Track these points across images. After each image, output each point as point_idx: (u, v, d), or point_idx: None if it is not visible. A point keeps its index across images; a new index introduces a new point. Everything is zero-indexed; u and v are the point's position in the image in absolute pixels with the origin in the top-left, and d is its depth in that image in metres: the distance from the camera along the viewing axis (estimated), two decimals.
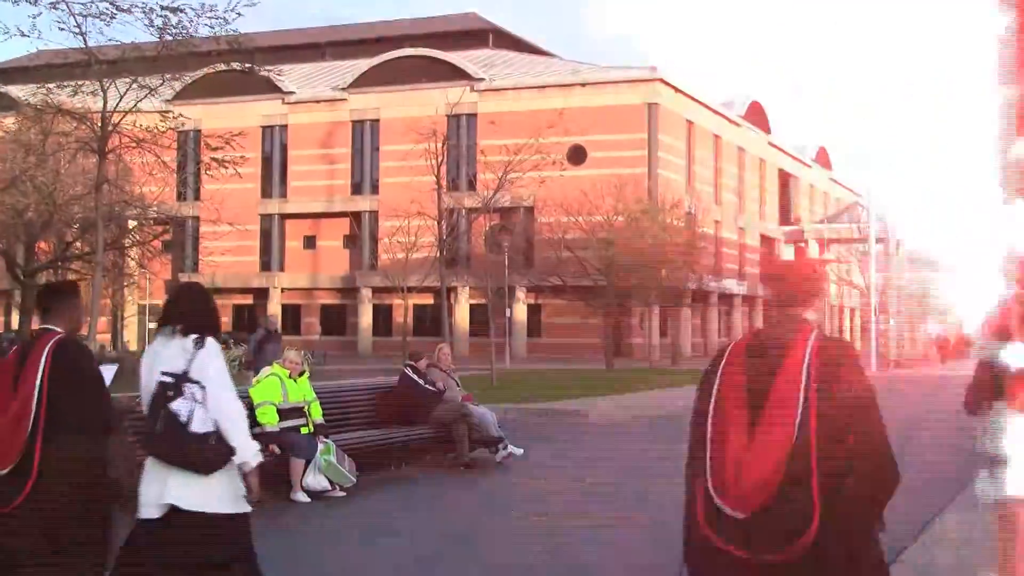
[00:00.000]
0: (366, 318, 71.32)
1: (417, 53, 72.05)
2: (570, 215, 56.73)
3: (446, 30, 77.45)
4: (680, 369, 49.80)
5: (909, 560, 8.36)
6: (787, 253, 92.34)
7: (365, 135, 73.19)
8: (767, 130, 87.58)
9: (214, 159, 29.73)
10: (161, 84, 27.60)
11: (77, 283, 6.83)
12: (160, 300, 74.51)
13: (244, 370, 24.22)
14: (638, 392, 30.75)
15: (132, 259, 43.27)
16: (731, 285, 78.09)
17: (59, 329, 6.08)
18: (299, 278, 74.02)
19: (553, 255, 57.11)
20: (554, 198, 57.11)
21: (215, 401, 5.49)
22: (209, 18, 26.29)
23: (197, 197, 58.34)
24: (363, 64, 73.75)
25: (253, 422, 11.00)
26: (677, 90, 69.80)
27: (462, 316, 67.65)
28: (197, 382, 5.46)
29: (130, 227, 40.00)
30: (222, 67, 36.00)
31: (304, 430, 12.36)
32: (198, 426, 5.39)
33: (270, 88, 68.46)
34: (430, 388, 15.37)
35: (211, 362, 5.56)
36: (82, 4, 25.54)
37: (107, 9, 25.69)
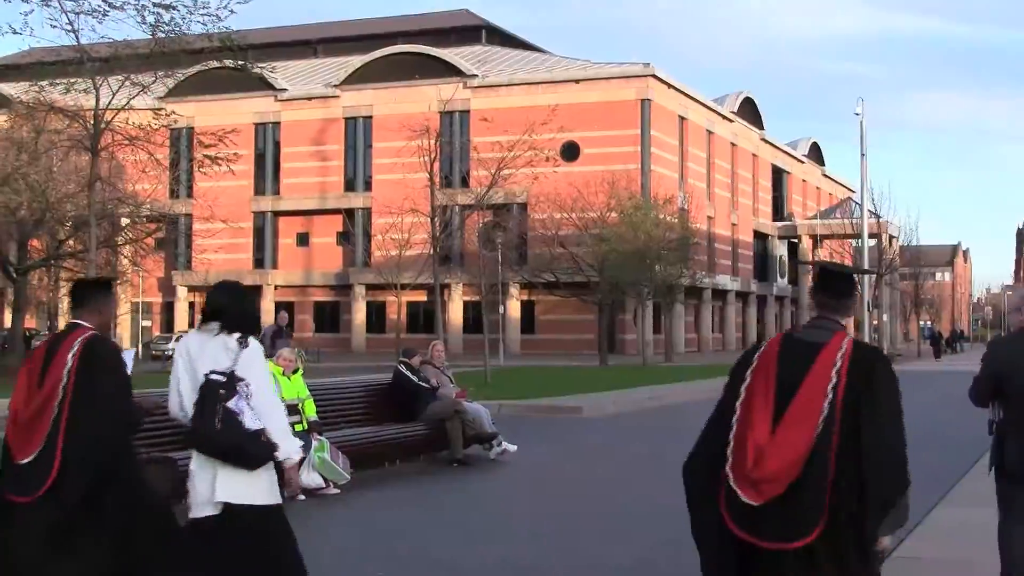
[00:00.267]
0: (359, 315, 71.31)
1: (410, 50, 72.02)
2: (563, 211, 56.77)
3: (439, 26, 77.45)
4: (673, 365, 49.88)
5: (907, 553, 8.38)
6: (781, 249, 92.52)
7: (358, 132, 73.14)
8: (760, 126, 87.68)
9: (207, 156, 29.69)
10: (154, 81, 27.55)
11: (111, 279, 6.81)
12: (153, 298, 74.68)
13: None
14: (632, 388, 30.71)
15: (125, 257, 43.14)
16: (724, 281, 78.18)
17: (90, 324, 6.07)
18: (292, 275, 73.99)
19: (546, 251, 57.13)
20: (547, 194, 57.13)
21: (260, 399, 5.61)
22: (202, 15, 26.25)
23: (190, 194, 58.35)
24: (356, 61, 73.70)
25: None
26: (670, 86, 69.85)
27: (456, 313, 67.66)
28: (243, 380, 5.56)
29: (123, 225, 39.90)
30: (215, 64, 35.92)
31: (298, 427, 12.34)
32: (251, 423, 5.53)
33: (263, 85, 68.40)
34: (424, 385, 15.37)
35: (256, 361, 5.66)
36: (74, 1, 25.51)
37: (99, 6, 25.66)
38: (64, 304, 57.36)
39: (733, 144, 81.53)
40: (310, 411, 12.78)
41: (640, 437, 19.87)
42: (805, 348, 4.52)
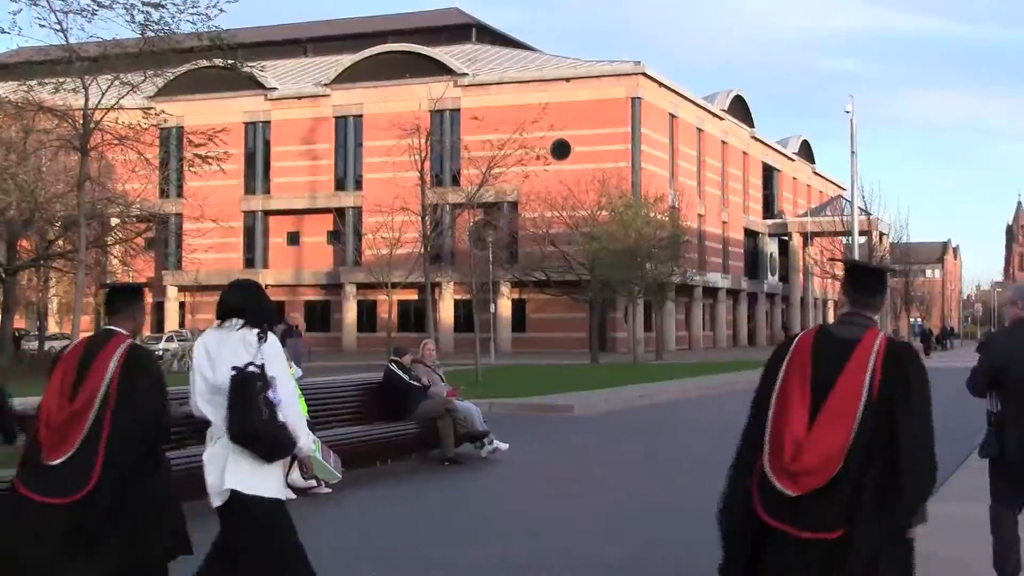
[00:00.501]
0: (350, 314, 71.24)
1: (400, 48, 71.94)
2: (554, 210, 56.77)
3: (429, 25, 77.37)
4: (664, 363, 49.91)
5: None
6: (771, 247, 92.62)
7: (348, 131, 73.07)
8: (751, 124, 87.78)
9: (197, 155, 29.62)
10: (143, 81, 27.48)
11: (144, 285, 6.86)
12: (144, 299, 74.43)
13: None
14: (623, 386, 30.71)
15: (115, 257, 43.08)
16: (715, 279, 78.26)
17: (125, 331, 6.17)
18: (283, 274, 73.87)
19: (537, 250, 57.12)
20: (538, 193, 57.12)
21: (282, 392, 5.75)
22: (191, 14, 26.19)
23: (180, 194, 58.25)
24: (346, 60, 73.61)
25: None
26: (660, 84, 69.89)
27: (446, 312, 67.62)
28: (269, 375, 5.70)
29: (113, 225, 39.83)
30: (204, 63, 35.83)
31: None
32: (282, 416, 5.67)
33: (253, 84, 68.31)
34: (415, 384, 15.36)
35: (276, 355, 5.77)
36: (63, 0, 25.43)
37: (88, 5, 25.59)
38: (54, 304, 57.34)
39: (724, 142, 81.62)
40: (302, 410, 12.75)
41: (631, 435, 19.87)
42: (839, 344, 4.64)
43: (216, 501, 5.70)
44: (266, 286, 72.53)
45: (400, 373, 15.37)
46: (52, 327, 62.26)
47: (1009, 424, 6.97)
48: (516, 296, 66.73)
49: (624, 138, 66.22)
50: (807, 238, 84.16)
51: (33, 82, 28.59)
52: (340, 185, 73.32)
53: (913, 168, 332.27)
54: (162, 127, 33.62)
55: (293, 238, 75.22)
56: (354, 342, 69.77)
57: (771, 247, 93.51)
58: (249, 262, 75.11)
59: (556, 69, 69.75)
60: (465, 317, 62.55)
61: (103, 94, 26.13)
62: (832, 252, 73.36)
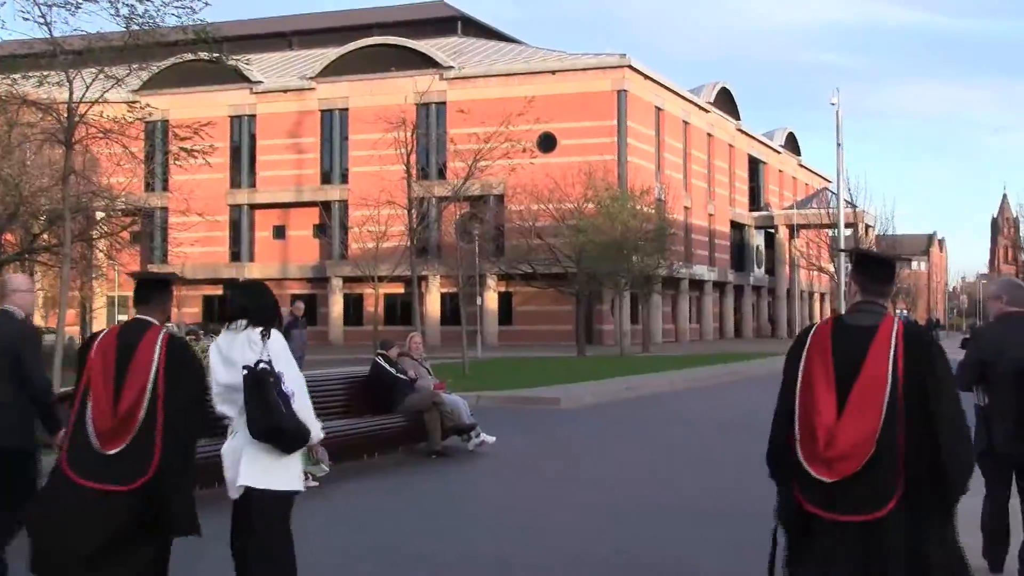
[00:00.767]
0: (337, 307, 71.14)
1: (385, 41, 71.80)
2: (540, 202, 56.81)
3: (414, 18, 77.17)
4: (650, 355, 49.98)
5: None
6: (758, 239, 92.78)
7: (334, 124, 72.94)
8: (736, 116, 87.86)
9: (183, 149, 29.50)
10: (128, 74, 27.30)
11: (173, 276, 7.15)
12: (129, 292, 74.06)
13: None
14: (610, 378, 30.75)
15: (100, 251, 42.86)
16: (702, 271, 78.35)
17: (155, 320, 6.35)
18: (269, 268, 73.69)
19: (524, 243, 57.15)
20: (524, 186, 57.15)
21: (291, 386, 6.03)
22: (176, 7, 26.03)
23: (165, 188, 58.01)
24: (331, 53, 73.46)
25: None
26: (646, 77, 69.89)
27: (433, 305, 67.60)
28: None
29: (98, 218, 39.65)
30: (189, 57, 35.69)
31: None
32: (295, 407, 5.98)
33: (238, 78, 68.09)
34: (402, 377, 15.36)
35: (281, 352, 6.04)
36: None
37: None
38: (39, 298, 57.12)
39: (709, 135, 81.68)
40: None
41: (618, 428, 19.91)
42: (858, 332, 4.77)
43: (233, 494, 6.02)
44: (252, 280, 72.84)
45: (387, 366, 15.38)
46: (37, 320, 62.03)
47: (996, 417, 7.05)
48: (503, 289, 66.74)
49: (610, 131, 66.24)
50: (793, 230, 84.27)
51: (17, 75, 28.44)
52: (326, 179, 73.20)
53: (899, 160, 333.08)
54: (147, 120, 33.46)
55: (279, 232, 75.09)
56: (340, 336, 69.71)
57: (757, 240, 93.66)
58: (235, 256, 74.98)
59: (542, 62, 69.69)
60: (452, 310, 62.55)
61: (87, 87, 26.00)
62: (833, 244, 73.38)
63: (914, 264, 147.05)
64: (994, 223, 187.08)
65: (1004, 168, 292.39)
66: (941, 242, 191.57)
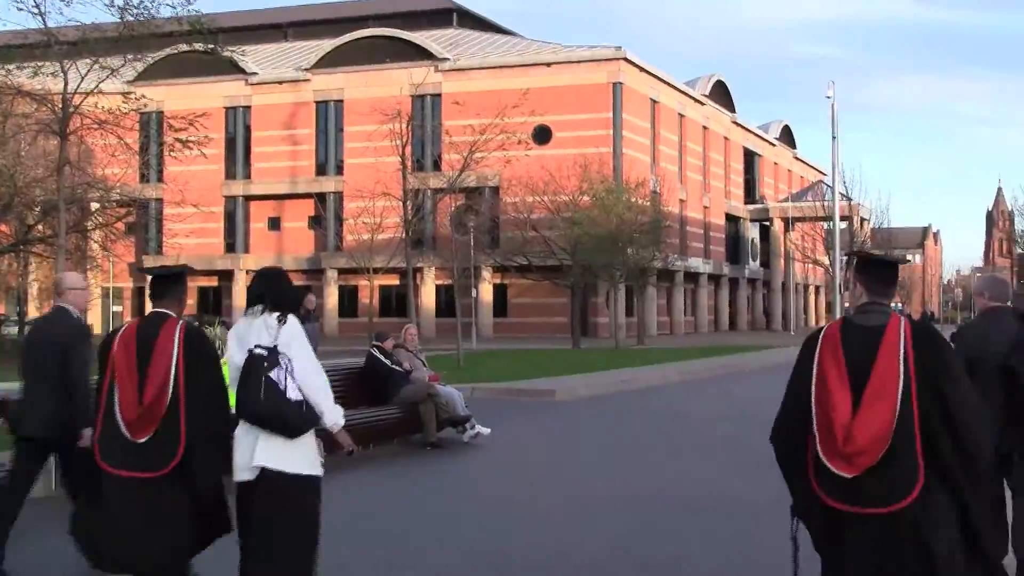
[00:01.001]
0: (332, 299, 71.08)
1: (381, 33, 71.69)
2: (535, 195, 56.75)
3: (410, 10, 77.10)
4: (645, 347, 50.00)
5: None
6: (753, 232, 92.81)
7: (329, 116, 72.83)
8: (732, 109, 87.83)
9: (178, 140, 29.48)
10: (123, 65, 27.30)
11: (186, 269, 7.31)
12: (124, 283, 74.22)
13: None
14: (604, 371, 30.77)
15: (95, 242, 42.85)
16: (696, 264, 78.37)
17: (172, 313, 6.66)
18: (264, 260, 73.39)
19: (519, 235, 57.10)
20: (519, 178, 57.08)
21: (301, 371, 6.12)
22: None
23: (160, 179, 57.89)
24: (326, 44, 73.32)
25: None
26: (642, 69, 69.83)
27: (428, 297, 67.58)
28: (284, 354, 6.08)
29: (93, 209, 39.62)
30: (184, 48, 35.62)
31: None
32: (292, 393, 6.04)
33: (233, 69, 67.97)
34: (396, 368, 15.37)
35: (294, 336, 6.16)
36: None
37: None
38: (34, 289, 57.04)
39: (705, 127, 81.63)
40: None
41: (612, 420, 19.93)
42: (867, 332, 4.97)
43: (244, 476, 6.07)
44: (247, 271, 72.68)
45: (382, 358, 15.39)
46: (32, 312, 61.98)
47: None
48: (498, 281, 66.74)
49: (605, 123, 66.19)
50: (788, 223, 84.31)
51: (11, 66, 28.39)
52: (321, 170, 73.11)
53: (892, 153, 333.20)
54: (142, 112, 33.48)
55: (274, 223, 74.97)
56: (335, 327, 69.64)
57: (752, 232, 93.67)
58: (230, 247, 74.90)
59: (537, 54, 69.62)
60: (447, 302, 62.49)
61: (82, 78, 25.97)
62: (828, 237, 73.48)
63: (909, 257, 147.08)
64: (989, 216, 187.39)
65: (999, 161, 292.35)
66: (936, 235, 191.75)
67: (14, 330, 51.99)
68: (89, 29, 26.96)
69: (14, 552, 8.03)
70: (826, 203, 66.12)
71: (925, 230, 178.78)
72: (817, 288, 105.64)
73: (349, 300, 70.63)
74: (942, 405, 4.79)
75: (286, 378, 6.03)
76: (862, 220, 71.51)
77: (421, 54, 68.80)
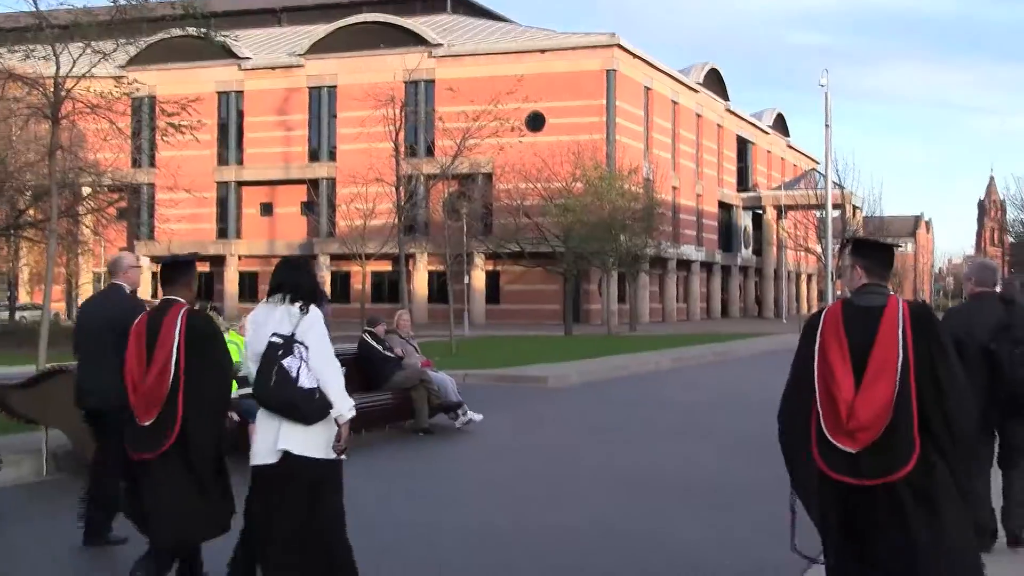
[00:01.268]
0: (324, 285, 70.89)
1: (375, 19, 71.54)
2: (528, 181, 56.74)
3: None
4: (637, 334, 50.05)
5: None
6: (746, 220, 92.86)
7: (322, 101, 72.72)
8: (725, 97, 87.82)
9: (171, 125, 29.38)
10: (115, 49, 27.14)
11: (196, 256, 7.62)
12: None
13: None
14: (597, 357, 30.79)
15: (87, 226, 42.77)
16: (689, 251, 78.45)
17: (182, 300, 6.89)
18: (256, 245, 73.60)
19: (512, 221, 57.09)
20: (513, 164, 57.04)
21: (316, 360, 6.22)
22: None
23: (152, 164, 57.84)
24: (320, 30, 73.17)
25: None
26: (635, 56, 69.79)
27: (420, 283, 67.59)
28: (301, 343, 6.19)
29: (84, 194, 39.53)
30: (177, 32, 35.50)
31: None
32: (305, 381, 6.14)
33: (226, 54, 67.78)
34: (389, 354, 15.37)
35: (313, 326, 6.29)
36: None
37: None
38: (24, 274, 56.96)
39: (698, 115, 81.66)
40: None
41: (604, 406, 19.95)
42: (867, 312, 5.19)
43: (267, 459, 6.18)
44: (239, 257, 72.63)
45: (374, 344, 15.39)
46: (23, 297, 61.90)
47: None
48: (490, 268, 66.74)
49: (599, 110, 66.17)
50: (781, 211, 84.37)
51: (2, 49, 28.27)
52: (314, 156, 73.03)
53: (884, 141, 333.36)
54: (134, 96, 33.31)
55: (266, 209, 74.91)
56: (328, 313, 69.60)
57: (745, 220, 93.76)
58: (222, 232, 74.81)
59: (531, 41, 69.55)
60: (439, 288, 62.52)
61: (74, 62, 25.86)
62: (821, 225, 73.48)
63: (901, 245, 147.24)
64: (981, 205, 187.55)
65: (991, 150, 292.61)
66: (928, 223, 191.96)
67: (4, 314, 51.92)
68: (81, 13, 26.84)
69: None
70: (819, 191, 66.14)
71: (917, 219, 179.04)
72: (809, 276, 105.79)
73: (341, 286, 70.56)
74: (935, 382, 5.02)
75: (300, 366, 6.12)
76: (855, 208, 71.57)
77: (415, 40, 68.70)
